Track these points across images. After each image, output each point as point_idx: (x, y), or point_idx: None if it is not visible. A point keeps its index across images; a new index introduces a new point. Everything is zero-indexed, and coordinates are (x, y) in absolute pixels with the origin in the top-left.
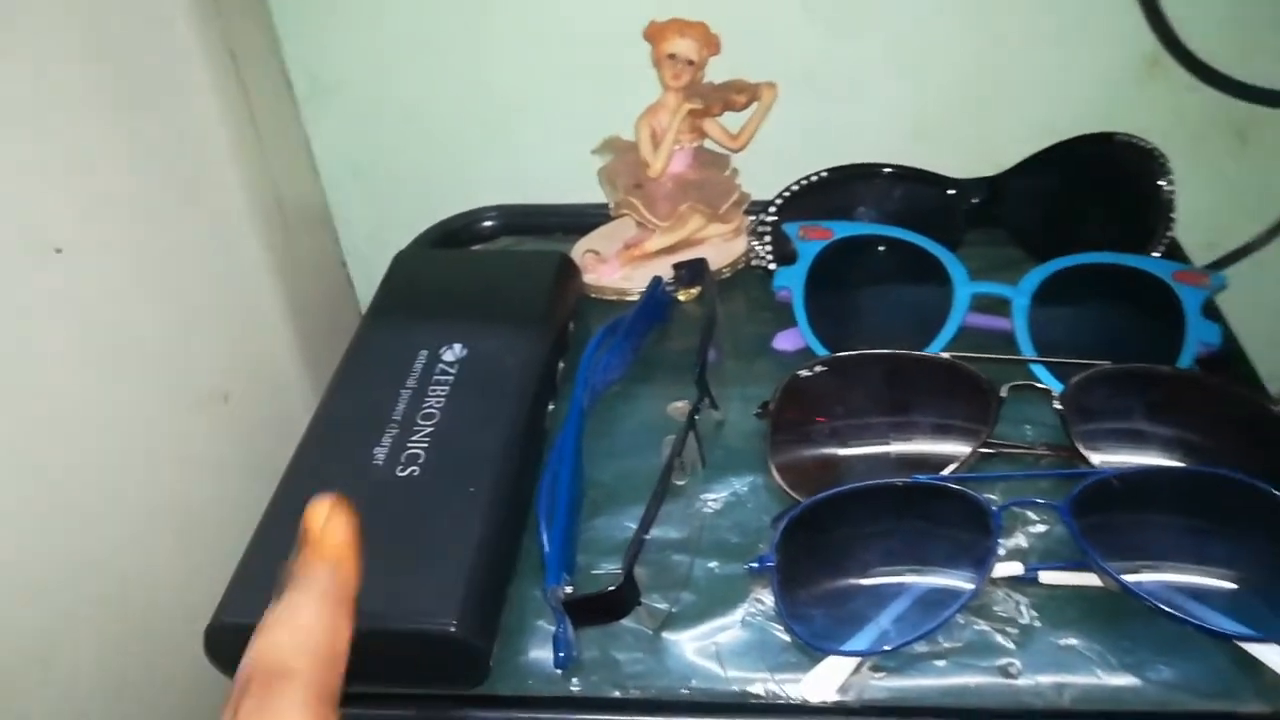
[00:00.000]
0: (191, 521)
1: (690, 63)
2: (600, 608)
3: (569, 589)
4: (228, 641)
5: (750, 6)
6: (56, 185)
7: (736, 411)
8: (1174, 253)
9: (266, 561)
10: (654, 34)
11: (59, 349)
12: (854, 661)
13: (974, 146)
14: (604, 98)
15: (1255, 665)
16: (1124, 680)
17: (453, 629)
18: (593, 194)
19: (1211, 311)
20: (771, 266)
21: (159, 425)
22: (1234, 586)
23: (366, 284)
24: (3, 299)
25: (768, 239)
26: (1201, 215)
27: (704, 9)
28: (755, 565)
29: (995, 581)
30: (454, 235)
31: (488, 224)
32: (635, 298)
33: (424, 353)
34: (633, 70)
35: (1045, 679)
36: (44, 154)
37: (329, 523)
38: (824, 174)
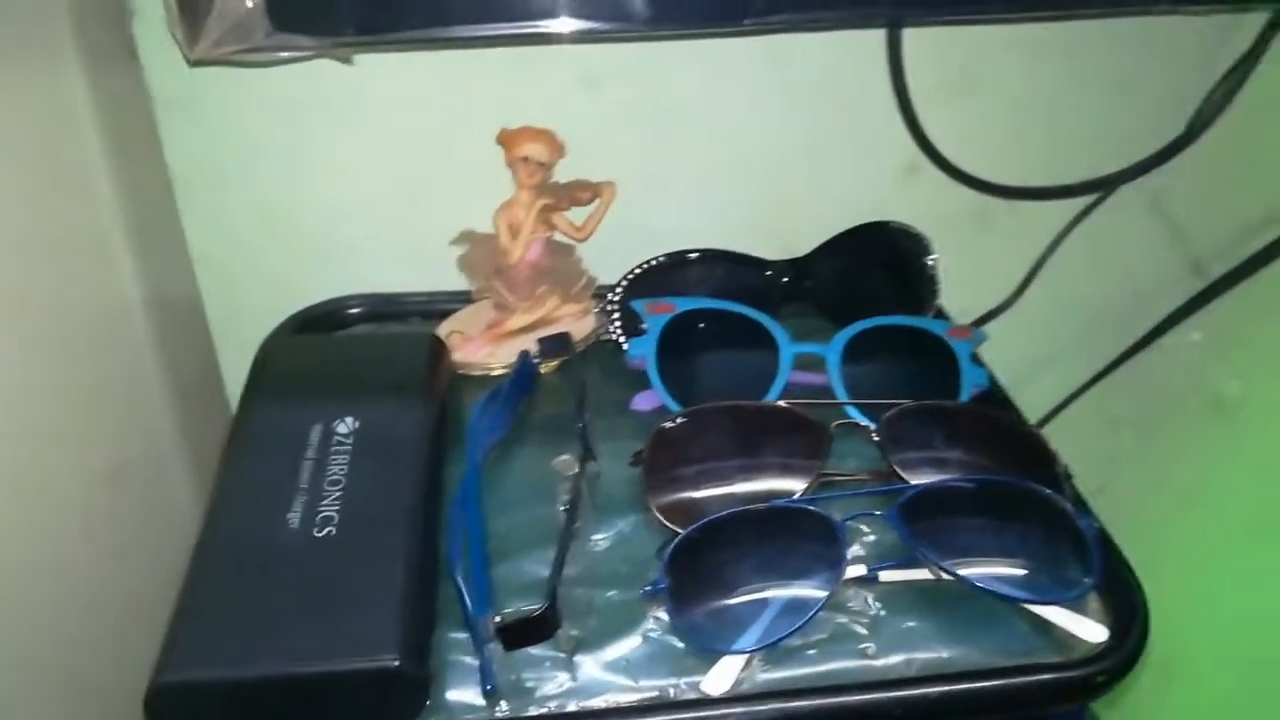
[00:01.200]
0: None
1: (541, 164)
2: (532, 629)
3: (498, 617)
4: (170, 701)
5: (588, 115)
6: None
7: (608, 464)
8: (941, 314)
9: (195, 622)
10: (508, 139)
11: None
12: (743, 659)
13: (781, 233)
14: (440, 195)
15: (1048, 626)
16: (955, 651)
17: (396, 663)
18: (435, 282)
19: (978, 360)
20: (621, 339)
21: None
22: (1025, 565)
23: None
24: None
25: (616, 315)
26: (957, 285)
27: (548, 118)
28: (649, 589)
29: (846, 583)
30: (315, 322)
31: (351, 311)
32: (499, 372)
33: (317, 426)
34: (467, 171)
35: (895, 657)
36: None
37: None
38: (661, 258)
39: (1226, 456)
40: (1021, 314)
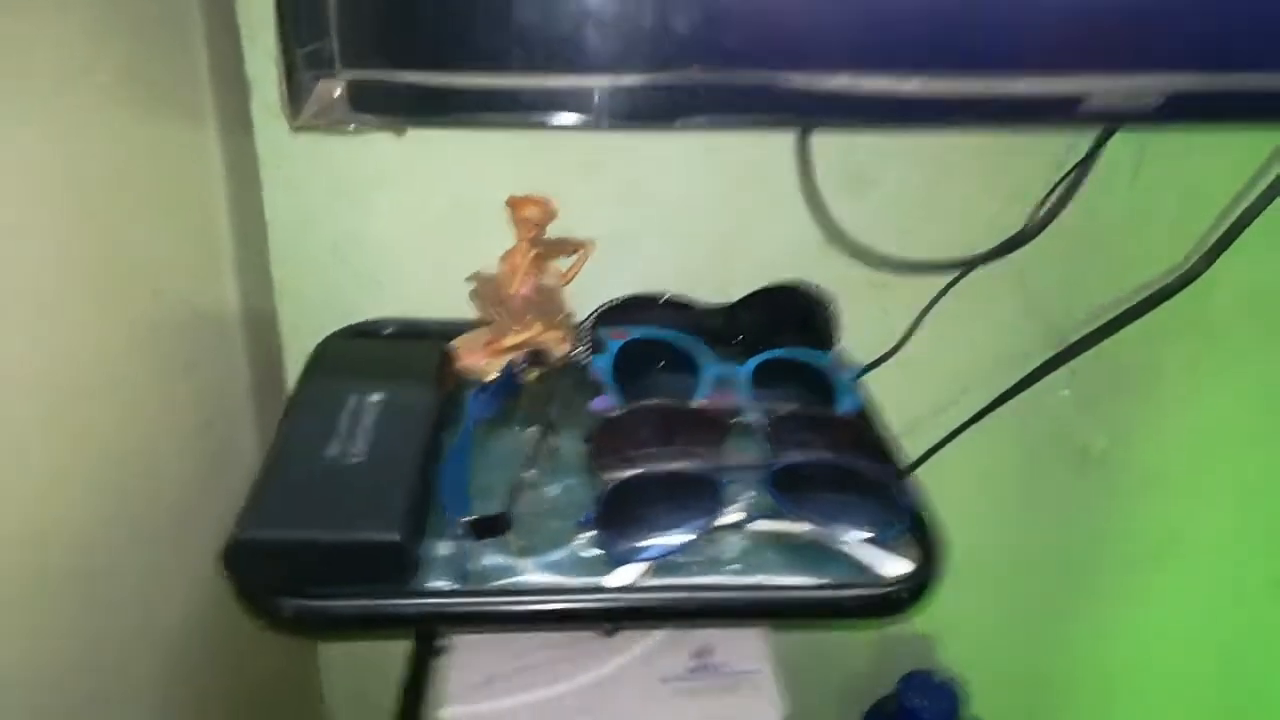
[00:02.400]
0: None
1: (537, 224)
2: (492, 524)
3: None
4: (238, 553)
5: (578, 189)
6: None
7: (567, 442)
8: (838, 356)
9: (256, 506)
10: (515, 203)
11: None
12: (642, 566)
13: (718, 286)
14: (460, 243)
15: (872, 566)
16: (800, 579)
17: (397, 537)
18: (453, 311)
19: (853, 388)
20: (589, 356)
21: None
22: (857, 519)
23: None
24: None
25: (586, 339)
26: (856, 338)
27: (546, 189)
28: (582, 520)
29: (727, 528)
30: (359, 335)
31: (387, 331)
32: (493, 377)
33: (353, 396)
34: (483, 226)
35: (754, 577)
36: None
37: None
38: (623, 298)
39: (1095, 500)
40: (908, 366)
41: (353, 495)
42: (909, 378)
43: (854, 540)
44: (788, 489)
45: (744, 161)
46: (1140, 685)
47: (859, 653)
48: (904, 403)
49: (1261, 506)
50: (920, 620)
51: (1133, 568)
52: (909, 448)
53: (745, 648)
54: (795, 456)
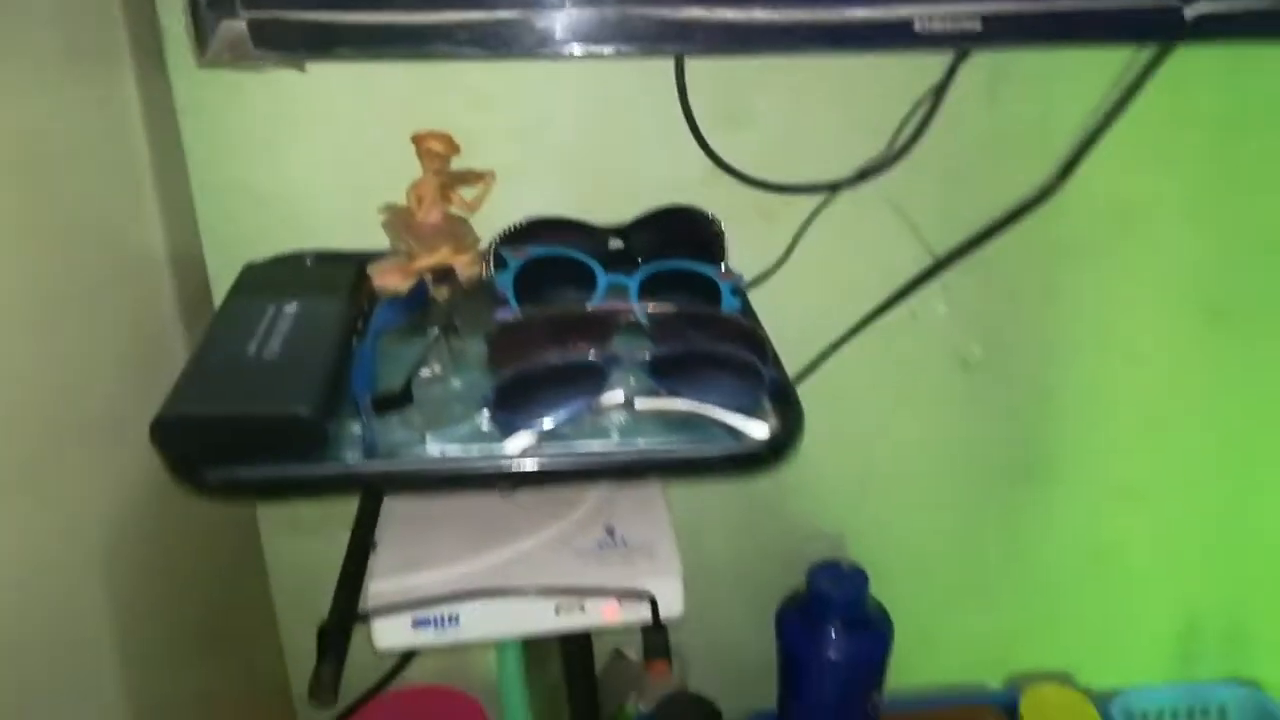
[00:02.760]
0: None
1: (441, 155)
2: (394, 399)
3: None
4: (165, 429)
5: (478, 124)
6: None
7: (471, 345)
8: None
9: (182, 390)
10: (419, 138)
11: None
12: (532, 435)
13: (608, 214)
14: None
15: (739, 434)
16: (690, 452)
17: (306, 413)
18: (370, 243)
19: (737, 293)
20: (493, 274)
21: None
22: (728, 396)
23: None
24: None
25: (490, 259)
26: (743, 256)
27: (449, 124)
28: (481, 400)
29: (610, 407)
30: (280, 261)
31: (307, 261)
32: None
33: (271, 306)
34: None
35: (638, 444)
36: None
37: None
38: (524, 222)
39: (972, 406)
40: (794, 284)
41: (268, 379)
42: (795, 295)
43: (723, 412)
44: (666, 373)
45: (627, 98)
46: (1020, 574)
47: (773, 561)
48: (791, 318)
49: (1124, 406)
50: (826, 521)
51: (1012, 469)
52: (797, 359)
53: (648, 527)
54: (674, 346)
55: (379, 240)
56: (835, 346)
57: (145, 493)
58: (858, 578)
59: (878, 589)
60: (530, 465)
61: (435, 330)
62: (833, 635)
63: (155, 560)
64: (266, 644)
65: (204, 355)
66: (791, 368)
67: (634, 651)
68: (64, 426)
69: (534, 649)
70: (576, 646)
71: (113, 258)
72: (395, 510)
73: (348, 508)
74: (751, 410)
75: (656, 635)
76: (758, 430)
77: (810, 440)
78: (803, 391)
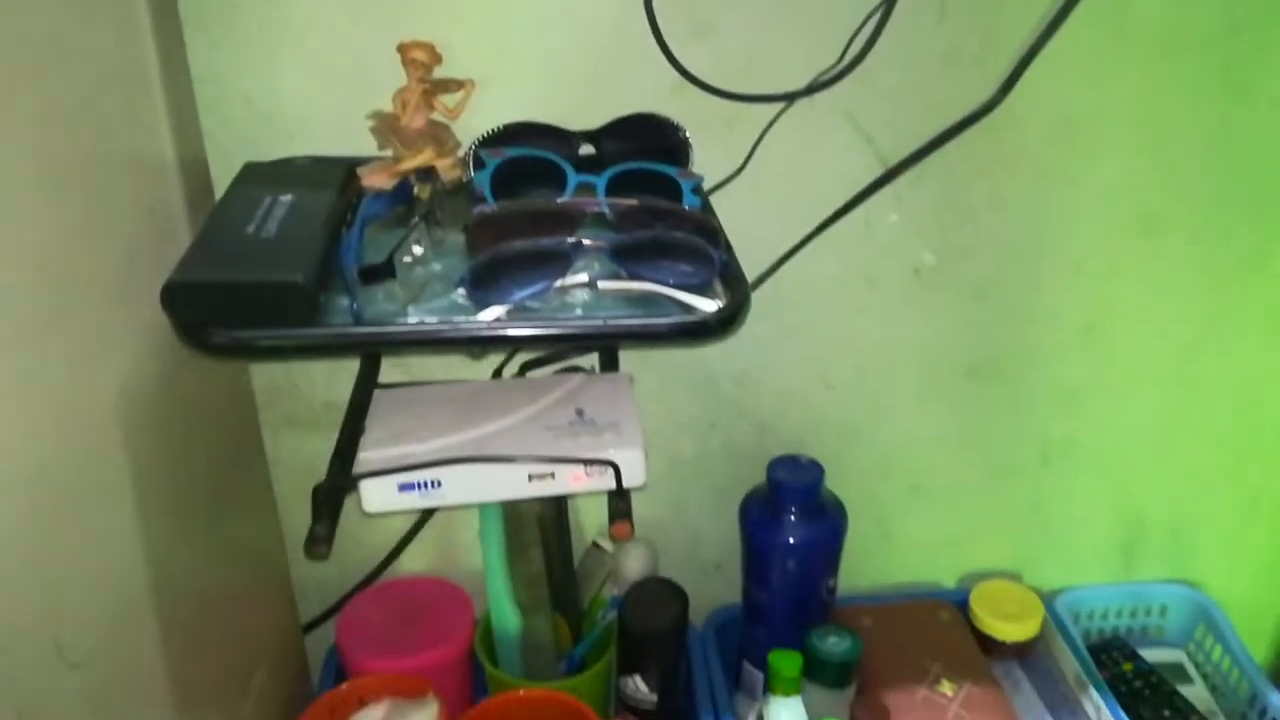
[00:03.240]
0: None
1: (424, 64)
2: (379, 271)
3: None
4: (173, 293)
5: (461, 38)
6: None
7: (451, 235)
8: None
9: (189, 261)
10: (404, 48)
11: None
12: (504, 308)
13: (586, 121)
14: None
15: (690, 308)
16: (643, 322)
17: (299, 279)
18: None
19: (697, 192)
20: (472, 173)
21: None
22: (684, 277)
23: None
24: None
25: (470, 160)
26: (708, 164)
27: (431, 36)
28: (458, 280)
29: (576, 286)
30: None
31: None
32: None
33: (268, 197)
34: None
35: (598, 318)
36: None
37: None
38: (502, 126)
39: (926, 312)
40: (756, 192)
41: (266, 253)
42: (756, 202)
43: (677, 291)
44: (627, 257)
45: (599, 14)
46: (972, 476)
47: (740, 461)
48: (752, 225)
49: (1067, 312)
50: (789, 423)
51: (963, 373)
52: (758, 264)
53: (615, 411)
54: (634, 234)
55: (370, 149)
56: (794, 251)
57: (156, 359)
58: (813, 469)
59: (839, 488)
60: (500, 331)
61: (418, 219)
62: (791, 520)
63: (167, 423)
64: (267, 528)
65: (208, 234)
66: (752, 272)
67: (608, 545)
68: (89, 288)
69: (516, 540)
70: (556, 537)
71: (127, 155)
72: (383, 400)
73: (337, 415)
74: (703, 290)
75: (620, 501)
76: (707, 306)
77: (772, 343)
78: (764, 296)
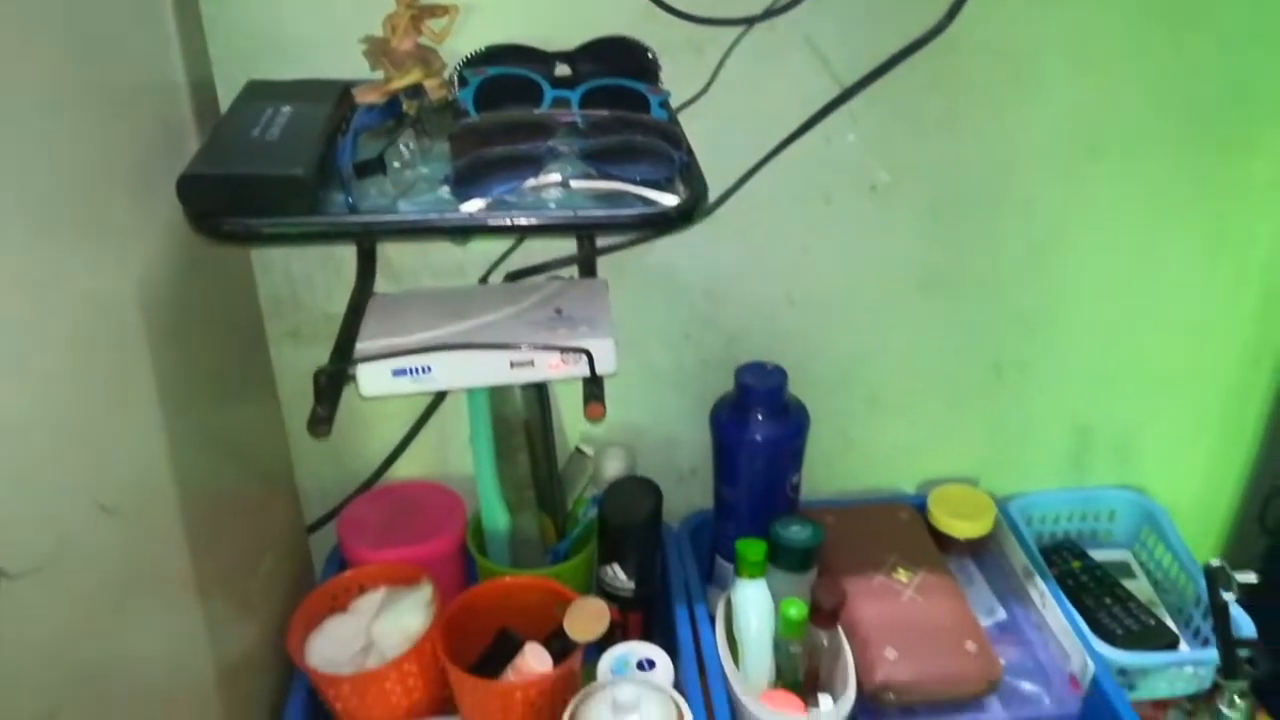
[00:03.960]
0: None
1: None
2: (371, 165)
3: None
4: (187, 186)
5: None
6: None
7: (436, 146)
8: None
9: (201, 157)
10: None
11: None
12: (484, 201)
13: (562, 40)
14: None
15: (653, 203)
16: (609, 212)
17: (300, 172)
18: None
19: (664, 107)
20: (456, 91)
21: None
22: (648, 176)
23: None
24: None
25: (454, 79)
26: (677, 84)
27: None
28: (444, 178)
29: (550, 186)
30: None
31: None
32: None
33: (270, 108)
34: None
35: (570, 210)
36: None
37: None
38: (485, 48)
39: (882, 228)
40: (720, 112)
41: (270, 151)
42: (720, 121)
43: (641, 188)
44: (597, 159)
45: None
46: (929, 386)
47: (711, 370)
48: (717, 143)
49: (1014, 235)
50: (757, 334)
51: (918, 287)
52: (723, 181)
53: (591, 310)
54: (603, 139)
55: (364, 74)
56: (756, 168)
57: (170, 258)
58: (777, 374)
59: (804, 399)
60: (481, 221)
61: (407, 127)
62: (757, 418)
63: (183, 320)
64: (273, 432)
65: (216, 137)
66: (717, 189)
67: (590, 449)
68: (112, 191)
69: (504, 445)
70: (542, 442)
71: (143, 78)
72: (379, 302)
73: (337, 328)
74: (665, 186)
75: (594, 385)
76: (669, 200)
77: (739, 259)
78: (728, 212)
